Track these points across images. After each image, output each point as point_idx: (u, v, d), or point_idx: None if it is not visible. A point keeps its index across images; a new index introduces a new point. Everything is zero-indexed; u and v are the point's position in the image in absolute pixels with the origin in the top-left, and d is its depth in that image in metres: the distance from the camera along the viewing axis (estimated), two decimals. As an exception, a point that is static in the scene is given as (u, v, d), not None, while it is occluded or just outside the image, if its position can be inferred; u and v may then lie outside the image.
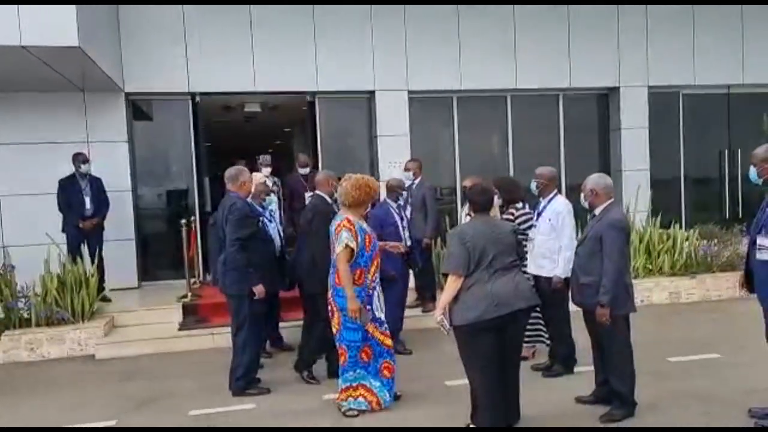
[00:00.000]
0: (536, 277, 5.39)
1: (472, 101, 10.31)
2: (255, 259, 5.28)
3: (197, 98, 9.27)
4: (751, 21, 10.74)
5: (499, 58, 10.01)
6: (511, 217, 5.70)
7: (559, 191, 5.97)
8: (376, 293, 4.87)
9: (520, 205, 5.75)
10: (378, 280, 4.89)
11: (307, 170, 8.66)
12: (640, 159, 10.53)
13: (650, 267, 8.37)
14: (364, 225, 4.87)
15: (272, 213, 6.50)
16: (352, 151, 10.04)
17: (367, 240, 4.77)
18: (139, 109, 9.28)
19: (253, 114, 11.64)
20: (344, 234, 4.63)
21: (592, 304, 4.35)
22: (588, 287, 4.40)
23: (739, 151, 11.11)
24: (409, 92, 9.79)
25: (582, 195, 4.59)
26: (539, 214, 5.47)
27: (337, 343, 4.87)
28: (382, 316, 4.90)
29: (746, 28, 10.73)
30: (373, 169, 9.80)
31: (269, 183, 7.82)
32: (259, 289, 5.24)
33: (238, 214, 5.24)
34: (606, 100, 10.77)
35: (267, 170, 8.16)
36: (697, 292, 8.29)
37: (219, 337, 6.83)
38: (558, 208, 5.35)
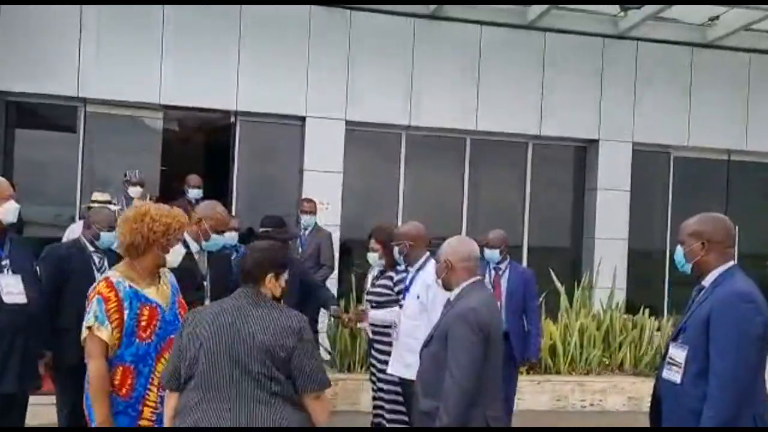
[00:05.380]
0: (402, 382, 3.72)
1: (424, 140, 8.81)
2: None
3: (87, 107, 7.81)
4: (758, 82, 9.19)
5: (459, 91, 8.52)
6: (390, 282, 4.14)
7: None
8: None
9: (402, 267, 4.15)
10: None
11: (199, 193, 6.98)
12: (618, 226, 8.88)
13: (607, 362, 6.65)
14: (149, 290, 2.93)
15: None
16: (274, 185, 8.52)
17: (146, 316, 2.86)
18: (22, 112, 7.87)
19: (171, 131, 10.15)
20: (94, 306, 2.79)
21: (433, 446, 2.70)
22: (428, 417, 2.73)
23: (737, 227, 9.40)
24: (347, 122, 8.31)
25: (434, 268, 2.95)
26: (407, 289, 3.84)
27: None
28: None
29: (752, 87, 9.19)
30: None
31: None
32: None
33: None
34: (583, 154, 9.21)
35: (136, 190, 6.56)
36: (666, 400, 6.53)
37: None
38: (429, 279, 3.67)
